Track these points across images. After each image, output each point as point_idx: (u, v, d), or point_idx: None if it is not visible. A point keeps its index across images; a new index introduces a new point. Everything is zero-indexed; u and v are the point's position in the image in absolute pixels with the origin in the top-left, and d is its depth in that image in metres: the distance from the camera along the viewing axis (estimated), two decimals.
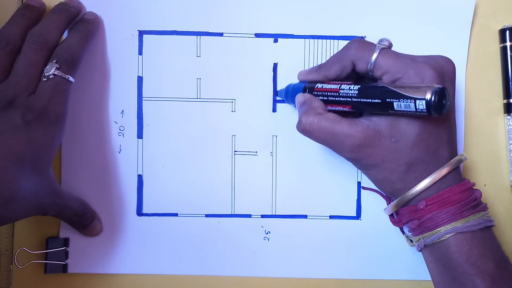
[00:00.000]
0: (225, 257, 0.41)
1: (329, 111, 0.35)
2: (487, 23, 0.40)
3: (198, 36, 0.40)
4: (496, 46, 0.40)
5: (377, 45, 0.33)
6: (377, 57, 0.33)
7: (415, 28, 0.40)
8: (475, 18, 0.40)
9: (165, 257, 0.40)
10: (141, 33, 0.40)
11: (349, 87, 0.34)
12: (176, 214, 0.40)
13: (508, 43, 0.40)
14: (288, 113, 0.40)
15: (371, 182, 0.35)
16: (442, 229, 0.32)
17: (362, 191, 0.40)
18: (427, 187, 0.32)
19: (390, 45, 0.34)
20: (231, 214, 0.41)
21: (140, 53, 0.40)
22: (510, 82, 0.40)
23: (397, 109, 0.31)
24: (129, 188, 0.40)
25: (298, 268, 0.41)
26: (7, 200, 0.32)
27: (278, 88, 0.40)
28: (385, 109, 0.32)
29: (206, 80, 0.40)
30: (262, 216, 0.41)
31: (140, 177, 0.40)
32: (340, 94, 0.34)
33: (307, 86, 0.37)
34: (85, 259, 0.40)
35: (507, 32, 0.39)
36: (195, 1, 0.40)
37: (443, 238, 0.32)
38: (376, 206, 0.40)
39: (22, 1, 0.38)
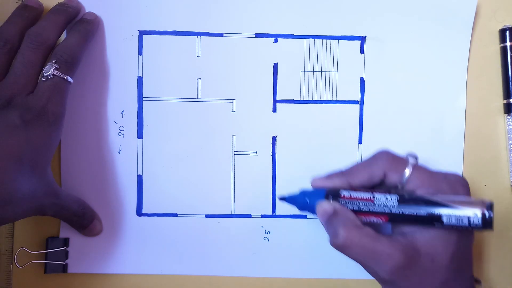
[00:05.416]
0: (225, 257, 0.41)
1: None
2: (487, 23, 0.40)
3: (198, 36, 0.40)
4: (496, 46, 0.40)
5: (409, 158, 0.33)
6: (411, 170, 0.32)
7: (416, 28, 0.40)
8: (475, 18, 0.40)
9: (165, 257, 0.40)
10: (141, 33, 0.40)
11: (385, 197, 0.31)
12: (176, 214, 0.40)
13: (508, 43, 0.39)
14: (288, 113, 0.40)
15: None
16: None
17: None
18: None
19: (417, 160, 0.33)
20: (231, 214, 0.41)
21: (140, 53, 0.40)
22: (510, 82, 0.40)
23: (446, 223, 0.29)
24: (129, 188, 0.40)
25: (298, 268, 0.41)
26: (5, 201, 0.32)
27: (277, 194, 0.40)
28: (429, 222, 0.30)
29: (206, 80, 0.40)
30: (262, 216, 0.41)
31: (140, 177, 0.40)
32: (376, 204, 0.32)
33: (329, 192, 0.34)
34: (85, 259, 0.40)
35: (507, 32, 0.39)
36: (195, 1, 0.39)
37: None
38: None
39: (22, 1, 0.38)
